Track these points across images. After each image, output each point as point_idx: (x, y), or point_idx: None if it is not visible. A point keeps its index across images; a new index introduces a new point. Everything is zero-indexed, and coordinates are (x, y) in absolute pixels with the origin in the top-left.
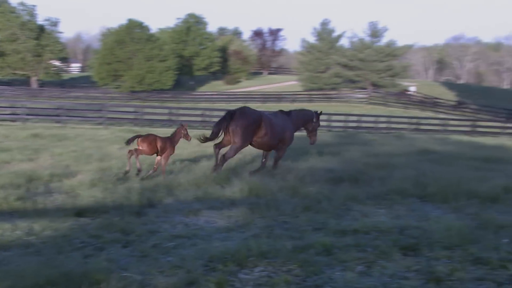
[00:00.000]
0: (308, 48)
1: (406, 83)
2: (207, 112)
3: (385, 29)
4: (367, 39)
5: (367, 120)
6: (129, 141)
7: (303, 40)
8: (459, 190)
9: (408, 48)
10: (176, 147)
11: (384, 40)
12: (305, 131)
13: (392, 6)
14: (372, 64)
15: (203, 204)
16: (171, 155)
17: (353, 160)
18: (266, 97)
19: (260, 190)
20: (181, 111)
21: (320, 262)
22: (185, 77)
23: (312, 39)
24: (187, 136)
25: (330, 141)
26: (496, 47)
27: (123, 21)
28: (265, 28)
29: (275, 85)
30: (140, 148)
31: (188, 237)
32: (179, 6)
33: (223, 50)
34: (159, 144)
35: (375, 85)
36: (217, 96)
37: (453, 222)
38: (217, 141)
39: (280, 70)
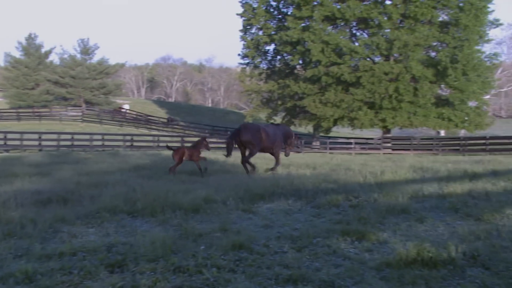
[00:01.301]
0: (14, 64)
1: (120, 101)
2: None
3: (97, 47)
4: (78, 56)
5: (81, 138)
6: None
7: (7, 55)
8: (166, 203)
9: (120, 66)
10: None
11: (96, 58)
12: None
13: (102, 24)
14: (84, 82)
15: None
16: (198, 159)
17: (64, 179)
18: None
19: None
20: None
21: None
22: None
23: (18, 54)
24: (207, 146)
25: (41, 161)
26: (200, 68)
27: None
28: None
29: None
30: (175, 159)
31: None
32: None
33: None
34: (187, 153)
35: (88, 103)
36: None
37: (158, 235)
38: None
39: None
